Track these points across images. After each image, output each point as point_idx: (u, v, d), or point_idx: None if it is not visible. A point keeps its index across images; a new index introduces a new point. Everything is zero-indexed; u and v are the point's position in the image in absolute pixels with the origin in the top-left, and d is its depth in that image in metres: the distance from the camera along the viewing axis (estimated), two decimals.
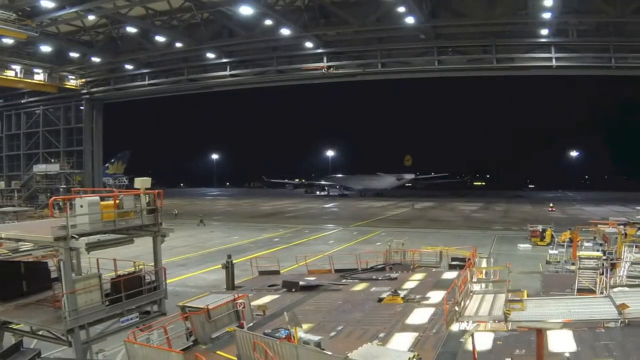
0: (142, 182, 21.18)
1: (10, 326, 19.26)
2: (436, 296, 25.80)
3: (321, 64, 65.95)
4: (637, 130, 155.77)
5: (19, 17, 47.30)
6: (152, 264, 20.98)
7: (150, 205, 20.90)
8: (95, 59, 69.82)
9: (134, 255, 22.25)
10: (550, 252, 40.23)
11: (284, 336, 16.08)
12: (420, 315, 22.82)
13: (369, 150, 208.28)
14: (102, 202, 19.43)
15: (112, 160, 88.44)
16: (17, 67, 70.60)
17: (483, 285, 21.22)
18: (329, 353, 14.49)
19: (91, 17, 55.01)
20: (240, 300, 20.39)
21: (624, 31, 54.56)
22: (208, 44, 63.48)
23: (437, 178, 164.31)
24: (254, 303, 23.42)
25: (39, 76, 73.95)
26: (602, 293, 23.47)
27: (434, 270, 34.68)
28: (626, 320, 18.53)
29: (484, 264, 34.96)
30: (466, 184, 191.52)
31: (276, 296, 27.67)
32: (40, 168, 79.30)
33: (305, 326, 18.96)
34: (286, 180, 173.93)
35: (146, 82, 75.81)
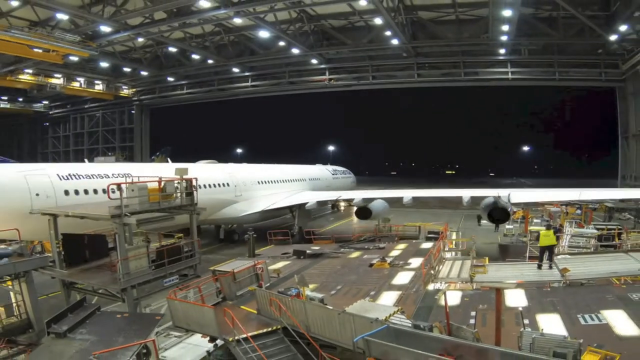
0: (180, 171, 21.05)
1: (76, 286, 19.28)
2: (416, 262, 25.69)
3: (324, 77, 65.98)
4: (574, 130, 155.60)
5: (82, 40, 47.17)
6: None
7: (187, 189, 20.84)
8: (144, 73, 69.74)
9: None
10: (507, 226, 40.07)
11: (294, 294, 16.01)
12: (403, 277, 22.74)
13: (367, 148, 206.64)
14: (149, 187, 19.33)
15: (157, 154, 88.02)
16: (81, 79, 70.74)
17: (453, 253, 21.16)
18: (330, 307, 14.42)
19: (140, 40, 55.10)
20: (259, 265, 20.30)
21: (565, 50, 55.41)
22: (234, 60, 63.56)
23: None
24: (271, 267, 23.35)
25: (99, 86, 73.90)
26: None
27: (414, 241, 34.62)
28: (567, 282, 18.52)
29: (454, 236, 34.95)
30: (439, 173, 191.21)
31: (288, 262, 27.60)
32: (99, 160, 79.02)
33: (311, 286, 18.88)
34: None
35: (184, 91, 75.69)
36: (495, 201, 34.26)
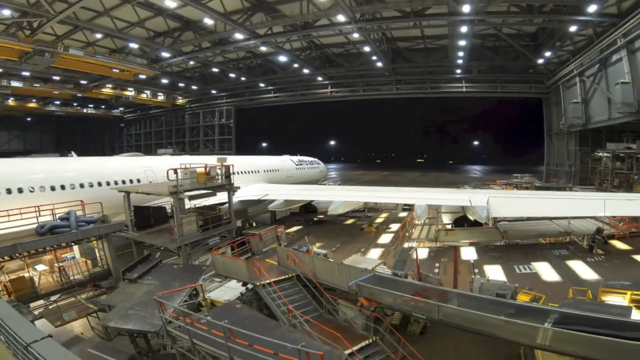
0: (221, 159, 20.87)
1: (144, 244, 19.19)
2: (395, 227, 25.57)
3: (327, 90, 65.33)
4: (512, 129, 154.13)
5: (148, 62, 46.93)
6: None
7: (226, 173, 20.63)
8: (194, 87, 69.27)
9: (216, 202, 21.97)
10: None
11: (305, 250, 15.91)
12: (385, 238, 22.63)
13: (362, 144, 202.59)
14: (198, 171, 19.15)
15: None
16: (148, 92, 69.99)
17: (422, 220, 20.92)
18: (332, 260, 14.32)
19: (191, 62, 54.45)
20: (279, 229, 20.18)
21: (505, 70, 54.86)
22: (260, 78, 63.02)
23: None
24: (287, 231, 23.28)
25: (160, 97, 73.13)
26: (493, 225, 23.16)
27: (393, 211, 34.53)
28: (507, 241, 18.30)
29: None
30: (411, 161, 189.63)
31: (300, 227, 27.53)
32: (161, 152, 78.73)
33: (317, 244, 18.79)
34: None
35: (224, 101, 74.98)
36: (464, 210, 19.80)
